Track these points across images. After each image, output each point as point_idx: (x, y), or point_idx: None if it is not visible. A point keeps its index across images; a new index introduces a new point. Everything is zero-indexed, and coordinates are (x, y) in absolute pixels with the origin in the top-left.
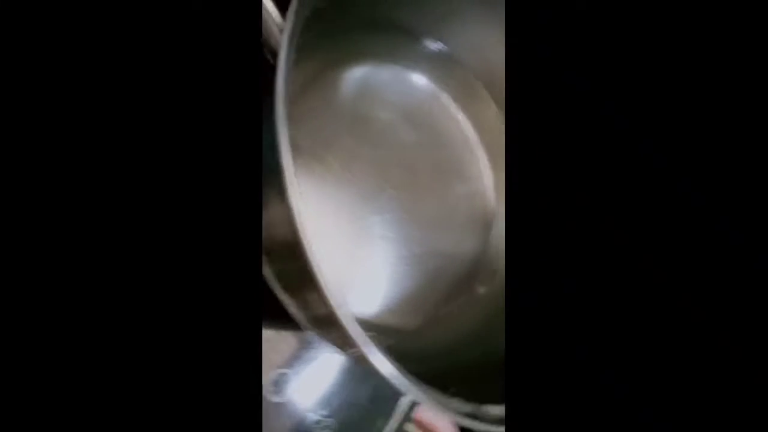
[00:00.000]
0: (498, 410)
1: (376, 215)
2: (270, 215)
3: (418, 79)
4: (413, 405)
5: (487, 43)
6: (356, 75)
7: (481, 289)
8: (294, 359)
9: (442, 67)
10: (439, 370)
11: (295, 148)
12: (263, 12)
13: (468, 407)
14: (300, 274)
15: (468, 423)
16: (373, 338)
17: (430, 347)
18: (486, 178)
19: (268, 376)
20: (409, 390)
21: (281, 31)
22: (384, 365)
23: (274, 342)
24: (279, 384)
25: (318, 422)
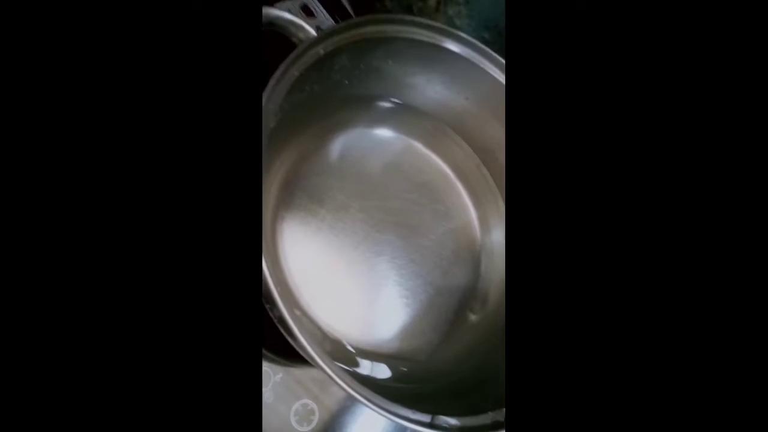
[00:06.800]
0: (455, 421)
1: (370, 257)
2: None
3: (392, 135)
4: None
5: (438, 93)
6: (340, 142)
7: (473, 317)
8: (319, 392)
9: (409, 120)
10: (441, 387)
11: (294, 206)
12: None
13: (425, 417)
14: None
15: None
16: (390, 364)
17: (435, 370)
18: (469, 214)
19: (292, 406)
20: (368, 404)
21: None
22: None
23: (298, 376)
24: (301, 413)
25: None
